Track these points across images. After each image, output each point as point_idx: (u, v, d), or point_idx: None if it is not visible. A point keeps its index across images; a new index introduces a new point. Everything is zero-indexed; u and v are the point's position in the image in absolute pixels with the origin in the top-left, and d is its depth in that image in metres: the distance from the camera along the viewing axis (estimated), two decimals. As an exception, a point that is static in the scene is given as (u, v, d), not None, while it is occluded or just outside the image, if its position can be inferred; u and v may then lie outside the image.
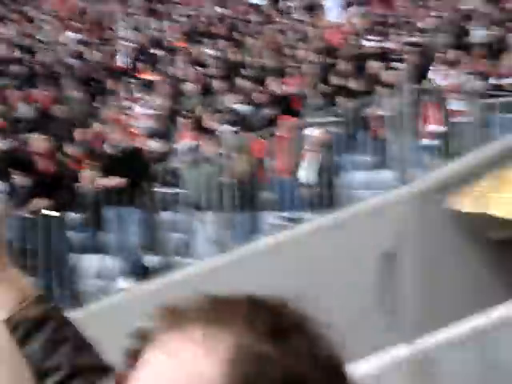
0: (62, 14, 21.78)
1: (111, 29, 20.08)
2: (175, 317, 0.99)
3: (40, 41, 19.68)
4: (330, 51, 15.47)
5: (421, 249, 8.66)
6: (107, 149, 10.29)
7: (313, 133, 10.43)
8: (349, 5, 18.25)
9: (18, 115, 14.14)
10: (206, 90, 14.68)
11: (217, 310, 0.99)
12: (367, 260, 8.56)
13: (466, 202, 8.76)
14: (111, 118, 12.53)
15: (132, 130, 11.53)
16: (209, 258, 9.42)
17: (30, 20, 21.91)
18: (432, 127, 10.80)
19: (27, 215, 9.50)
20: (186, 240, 10.10)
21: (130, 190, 9.50)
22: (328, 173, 10.10)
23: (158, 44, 18.05)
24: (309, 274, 8.12)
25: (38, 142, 9.79)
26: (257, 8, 19.63)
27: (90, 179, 10.36)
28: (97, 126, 12.61)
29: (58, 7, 22.30)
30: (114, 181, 9.55)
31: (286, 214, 10.03)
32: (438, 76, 12.66)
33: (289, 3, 19.61)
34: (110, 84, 16.06)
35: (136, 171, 9.56)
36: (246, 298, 1.02)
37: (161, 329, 0.97)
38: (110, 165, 9.80)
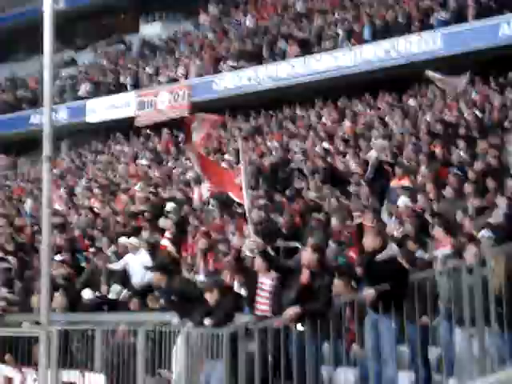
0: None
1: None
2: None
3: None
4: None
5: None
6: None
7: None
8: None
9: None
10: (462, 193, 13.90)
11: None
12: None
13: None
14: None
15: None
16: (471, 378, 8.62)
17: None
18: None
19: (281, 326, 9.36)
20: (447, 356, 9.26)
21: (386, 299, 8.99)
22: None
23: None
24: None
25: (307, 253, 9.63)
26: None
27: (340, 290, 10.12)
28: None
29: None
30: (369, 293, 9.08)
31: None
32: None
33: None
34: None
35: (396, 279, 9.01)
36: None
37: None
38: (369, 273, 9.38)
